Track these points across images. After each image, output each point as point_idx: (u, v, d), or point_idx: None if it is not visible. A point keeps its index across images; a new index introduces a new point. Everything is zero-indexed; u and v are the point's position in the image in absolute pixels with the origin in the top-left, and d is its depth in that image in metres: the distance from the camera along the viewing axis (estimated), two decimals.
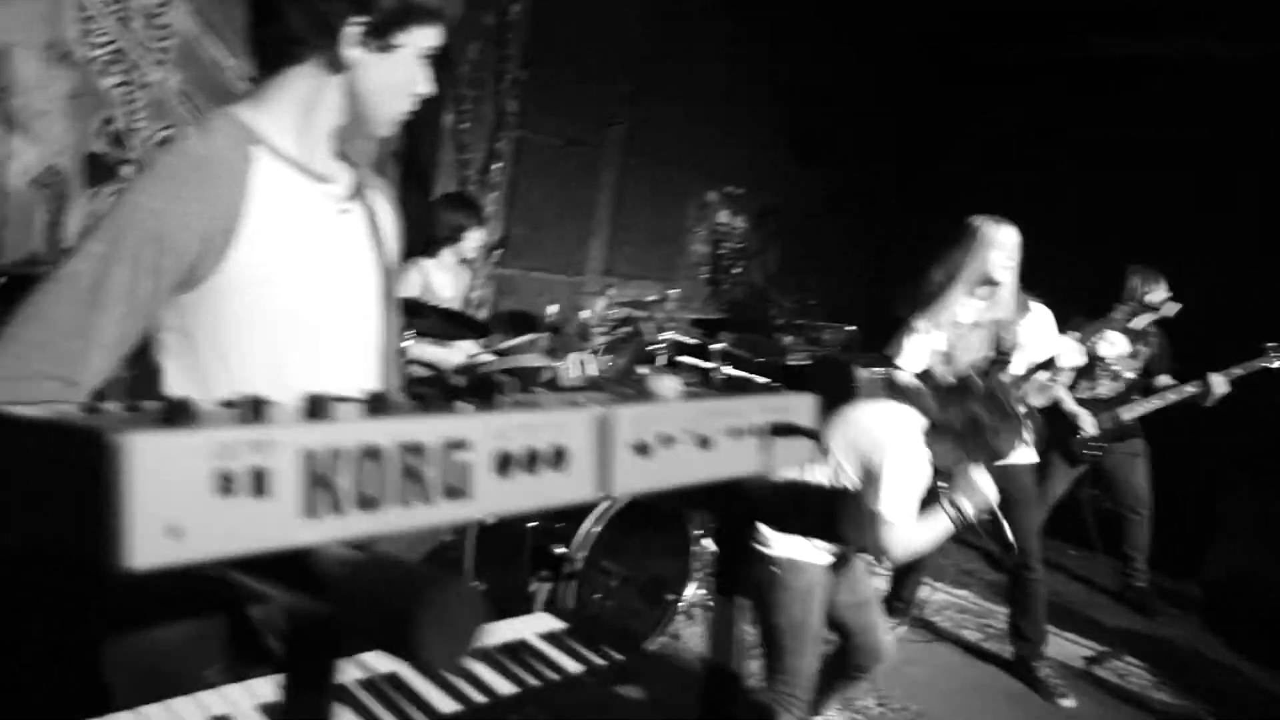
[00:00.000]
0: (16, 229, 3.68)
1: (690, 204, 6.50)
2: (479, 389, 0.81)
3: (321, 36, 1.35)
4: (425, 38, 1.42)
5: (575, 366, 1.74)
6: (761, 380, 4.12)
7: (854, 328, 6.10)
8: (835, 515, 0.84)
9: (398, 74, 1.41)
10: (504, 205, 5.20)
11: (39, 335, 1.18)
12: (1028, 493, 3.87)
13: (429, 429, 0.68)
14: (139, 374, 1.37)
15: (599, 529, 3.48)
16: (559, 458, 0.76)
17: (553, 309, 4.01)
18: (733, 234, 6.71)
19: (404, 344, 3.47)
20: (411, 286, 4.17)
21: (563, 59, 5.26)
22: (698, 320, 4.16)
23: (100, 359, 1.22)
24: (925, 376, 3.55)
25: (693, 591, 3.93)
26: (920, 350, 3.63)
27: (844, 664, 3.04)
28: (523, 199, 5.26)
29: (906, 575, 4.52)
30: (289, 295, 1.37)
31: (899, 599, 4.54)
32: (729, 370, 4.15)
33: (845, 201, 7.19)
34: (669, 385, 0.94)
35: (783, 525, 0.88)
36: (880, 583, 4.86)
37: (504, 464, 0.72)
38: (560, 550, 3.44)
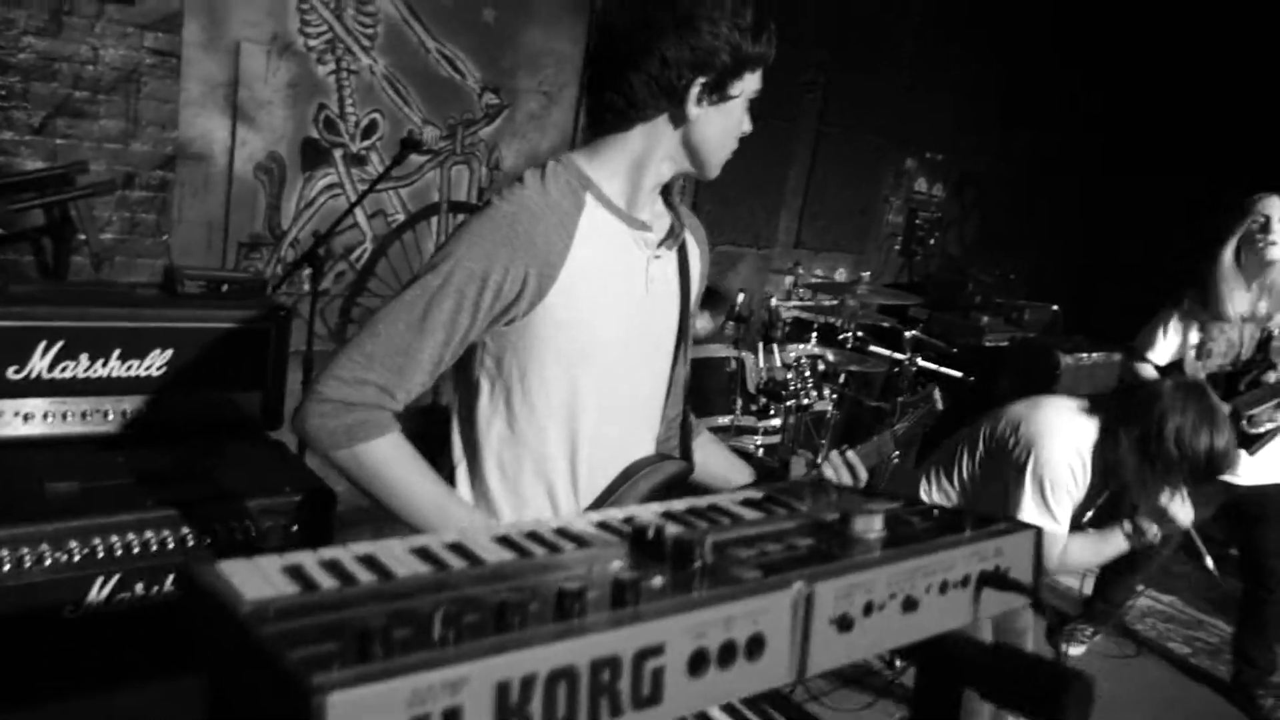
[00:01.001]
0: (242, 212, 3.94)
1: (885, 172, 6.23)
2: (678, 552, 0.78)
3: (667, 101, 1.42)
4: (753, 83, 1.47)
5: (800, 467, 1.74)
6: (956, 374, 3.93)
7: (1057, 307, 5.71)
8: (1059, 697, 0.77)
9: (730, 121, 1.47)
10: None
11: (372, 347, 1.34)
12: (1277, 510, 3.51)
13: (623, 640, 0.65)
14: (460, 383, 1.51)
15: None
16: (755, 647, 0.72)
17: (740, 298, 3.94)
18: (930, 203, 6.39)
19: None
20: None
21: None
22: (887, 307, 3.99)
23: (418, 375, 1.37)
24: (1170, 370, 3.27)
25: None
26: (1172, 343, 3.35)
27: None
28: None
29: (1118, 576, 4.18)
30: (593, 338, 1.46)
31: (1105, 601, 4.14)
32: (920, 362, 3.99)
33: (1051, 168, 6.69)
34: (871, 525, 0.88)
35: (994, 696, 0.81)
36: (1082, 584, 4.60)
37: (698, 663, 0.69)
38: None
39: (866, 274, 4.11)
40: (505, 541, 0.83)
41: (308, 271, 3.29)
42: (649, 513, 0.94)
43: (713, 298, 4.95)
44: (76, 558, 1.85)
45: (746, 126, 1.52)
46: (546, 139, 4.83)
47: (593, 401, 1.48)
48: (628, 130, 1.46)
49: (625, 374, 1.52)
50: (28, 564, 1.79)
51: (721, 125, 1.46)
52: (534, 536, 0.85)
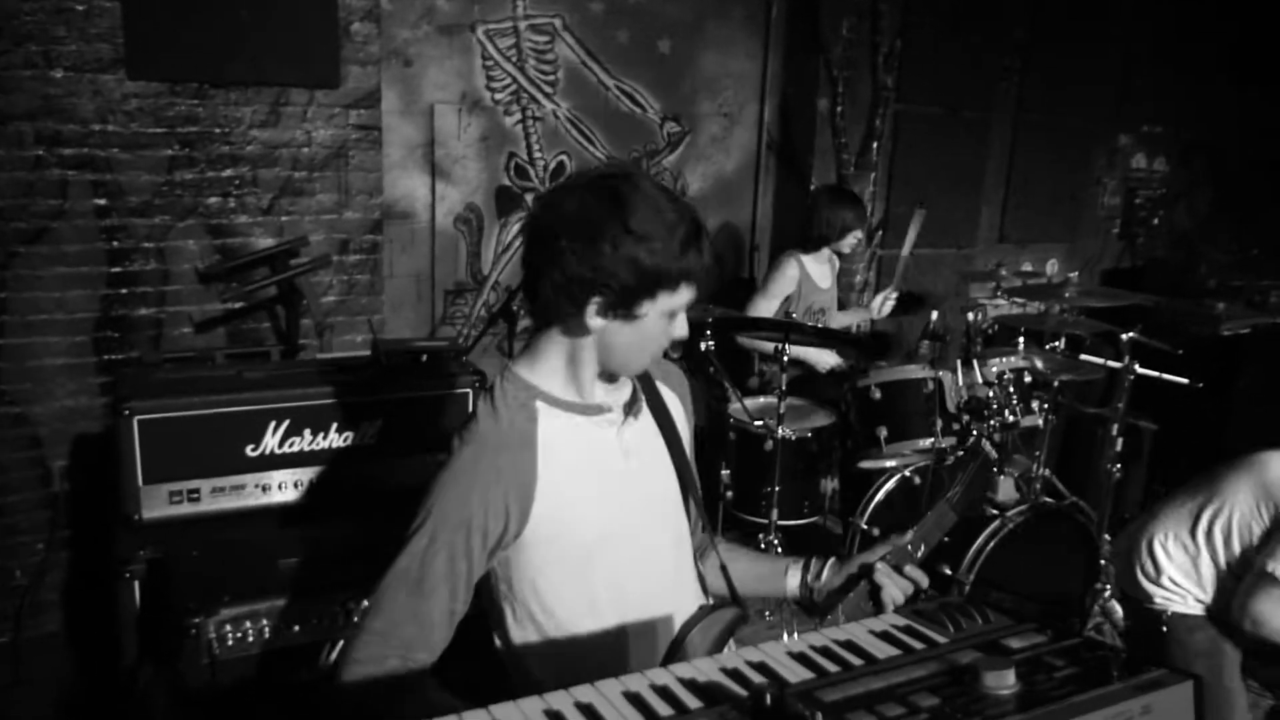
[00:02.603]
0: (444, 262, 4.22)
1: (1097, 153, 5.80)
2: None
3: (569, 307, 1.41)
4: (673, 302, 1.43)
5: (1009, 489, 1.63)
6: (1181, 381, 3.61)
7: None
8: None
9: (643, 334, 1.44)
10: (883, 185, 5.00)
11: (381, 624, 1.37)
12: None
13: None
14: (486, 605, 1.54)
15: (990, 546, 3.29)
16: None
17: (934, 316, 3.80)
18: (1151, 179, 5.89)
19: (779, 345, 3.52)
20: (788, 281, 4.19)
21: (942, 21, 4.89)
22: (1095, 310, 3.71)
23: (435, 634, 1.40)
24: None
25: (1101, 609, 3.61)
26: None
27: None
28: (902, 175, 5.01)
29: None
30: (587, 536, 1.46)
31: None
32: (1139, 369, 3.69)
33: None
34: (1004, 681, 0.86)
35: None
36: None
37: None
38: (947, 571, 3.31)
39: (1075, 274, 3.83)
40: (635, 700, 0.87)
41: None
42: (779, 651, 0.95)
43: (911, 302, 4.81)
44: (307, 628, 2.07)
45: (677, 333, 1.48)
46: (731, 160, 4.85)
47: (612, 591, 1.48)
48: (549, 329, 1.48)
49: (635, 552, 1.52)
50: (267, 634, 2.01)
51: (631, 338, 1.44)
52: (662, 691, 0.88)
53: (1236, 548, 2.39)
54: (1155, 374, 3.66)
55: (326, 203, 3.67)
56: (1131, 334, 3.78)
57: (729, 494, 3.79)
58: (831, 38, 4.63)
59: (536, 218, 1.45)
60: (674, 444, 1.63)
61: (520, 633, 1.50)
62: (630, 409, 1.56)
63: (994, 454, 1.75)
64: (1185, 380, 3.57)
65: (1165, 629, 2.42)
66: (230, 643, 1.98)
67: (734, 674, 0.92)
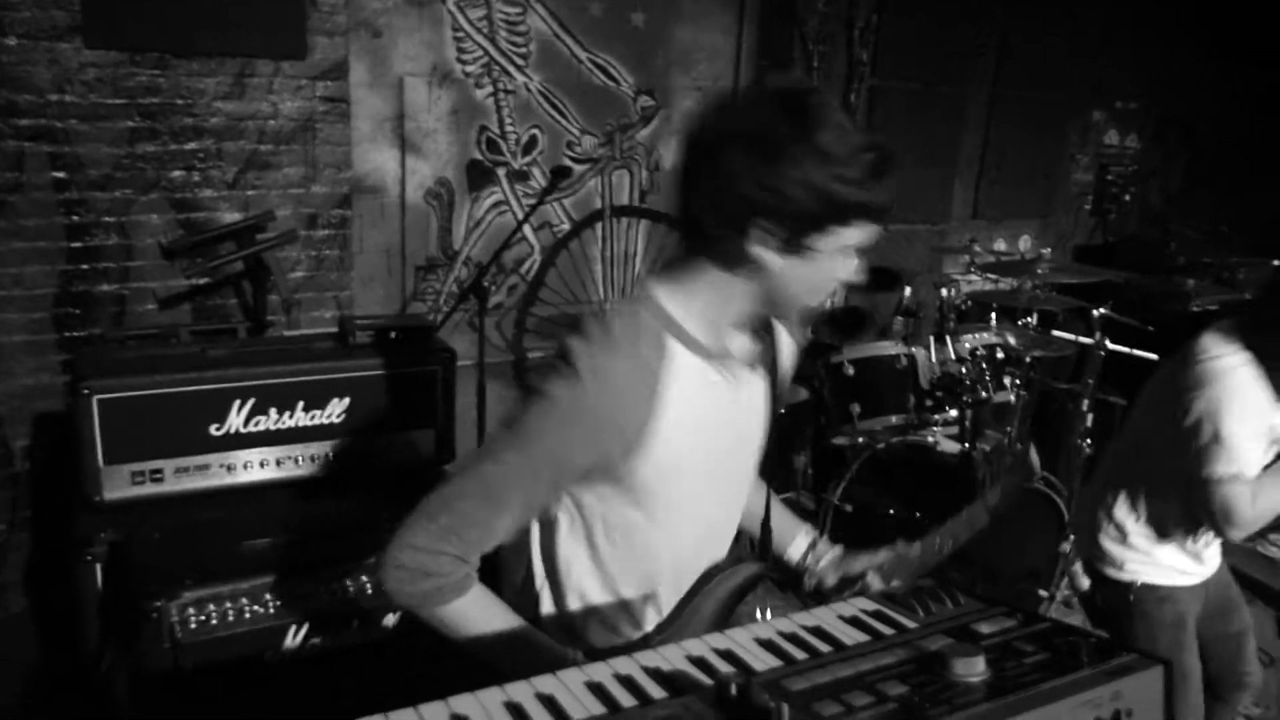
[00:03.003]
0: (416, 237, 4.15)
1: (1070, 128, 5.81)
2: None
3: (728, 230, 1.24)
4: (853, 236, 1.26)
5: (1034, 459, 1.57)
6: (1151, 357, 3.63)
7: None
8: None
9: (816, 277, 1.28)
10: None
11: (448, 520, 1.28)
12: None
13: None
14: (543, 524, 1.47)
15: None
16: None
17: (908, 292, 3.80)
18: (1124, 156, 5.91)
19: None
20: None
21: None
22: (1067, 286, 3.73)
23: (494, 541, 1.32)
24: None
25: (1067, 582, 3.65)
26: None
27: (1205, 688, 2.67)
28: None
29: None
30: (679, 490, 1.37)
31: None
32: (1110, 345, 3.71)
33: (1269, 102, 6.02)
34: (973, 667, 0.84)
35: None
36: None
37: None
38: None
39: (1047, 250, 3.85)
40: (598, 690, 0.86)
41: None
42: (746, 638, 0.94)
43: (884, 278, 4.80)
44: (272, 609, 2.04)
45: (848, 275, 1.31)
46: None
47: (677, 541, 1.42)
48: (700, 259, 1.32)
49: (710, 509, 1.47)
50: (230, 618, 1.98)
51: (797, 276, 1.27)
52: (626, 681, 0.87)
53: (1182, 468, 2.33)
54: (1125, 350, 3.69)
55: (293, 176, 3.60)
56: (1102, 310, 3.81)
57: None
58: (807, 12, 4.59)
59: (702, 124, 1.28)
60: (775, 401, 1.53)
61: (569, 547, 1.42)
62: (756, 361, 1.44)
63: (1039, 469, 1.69)
64: (1155, 356, 3.59)
65: (1133, 599, 2.42)
66: (193, 625, 1.95)
67: (700, 662, 0.90)
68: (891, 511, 3.50)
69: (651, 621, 1.45)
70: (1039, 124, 5.62)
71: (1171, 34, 5.76)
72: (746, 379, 1.44)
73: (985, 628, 0.92)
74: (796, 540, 1.71)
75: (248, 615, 2.00)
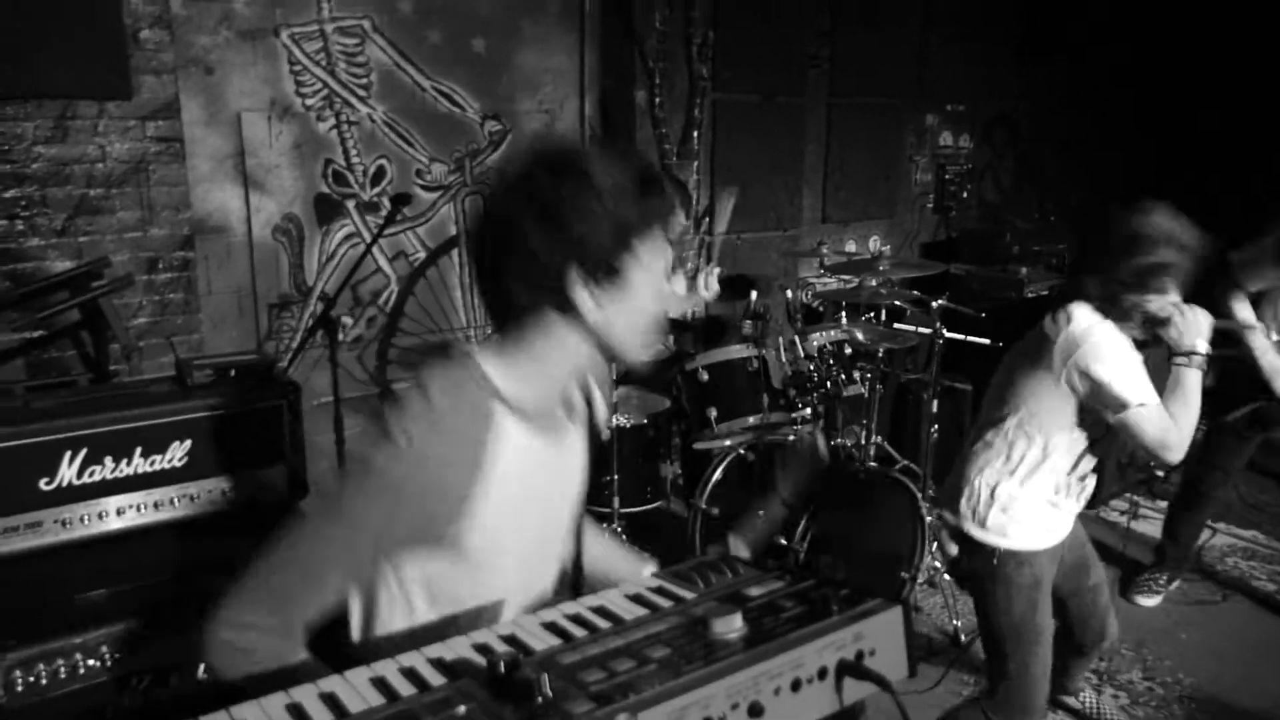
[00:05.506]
0: (267, 275, 4.09)
1: (906, 133, 6.11)
2: (521, 692, 0.82)
3: (548, 285, 1.28)
4: (651, 253, 1.32)
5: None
6: (984, 342, 3.85)
7: None
8: None
9: (636, 308, 1.33)
10: (706, 172, 5.13)
11: (266, 597, 1.26)
12: None
13: None
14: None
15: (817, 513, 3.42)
16: None
17: (754, 296, 3.93)
18: (958, 156, 6.24)
19: None
20: None
21: (753, 11, 5.05)
22: (912, 280, 3.92)
23: (316, 612, 1.29)
24: None
25: (929, 561, 3.81)
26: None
27: (1066, 642, 2.86)
28: (724, 163, 5.15)
29: (1182, 514, 4.03)
30: (500, 545, 1.36)
31: (1174, 542, 4.02)
32: (947, 333, 3.92)
33: (1083, 99, 6.46)
34: (731, 625, 0.91)
35: None
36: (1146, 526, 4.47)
37: None
38: (783, 542, 3.43)
39: (886, 248, 4.05)
40: (380, 684, 0.89)
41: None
42: (532, 623, 0.98)
43: (741, 284, 4.95)
44: (108, 663, 1.98)
45: (673, 293, 1.38)
46: None
47: (499, 594, 1.39)
48: (520, 326, 1.34)
49: (533, 563, 1.47)
50: (63, 675, 1.92)
51: (625, 310, 1.31)
52: (409, 673, 0.90)
53: (1053, 432, 2.51)
54: (961, 337, 3.90)
55: (129, 220, 3.51)
56: (940, 301, 4.01)
57: None
58: (645, 30, 4.71)
59: (489, 213, 1.34)
60: (592, 445, 1.57)
61: (386, 613, 1.39)
62: (576, 415, 1.48)
63: (825, 454, 1.72)
64: (987, 341, 3.81)
65: (995, 563, 2.56)
66: (19, 688, 1.88)
67: (482, 648, 0.94)
68: (761, 512, 3.59)
69: None
70: (876, 130, 5.90)
71: (983, 40, 6.13)
72: (568, 434, 1.47)
73: (754, 590, 0.98)
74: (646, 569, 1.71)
75: (82, 671, 1.94)
